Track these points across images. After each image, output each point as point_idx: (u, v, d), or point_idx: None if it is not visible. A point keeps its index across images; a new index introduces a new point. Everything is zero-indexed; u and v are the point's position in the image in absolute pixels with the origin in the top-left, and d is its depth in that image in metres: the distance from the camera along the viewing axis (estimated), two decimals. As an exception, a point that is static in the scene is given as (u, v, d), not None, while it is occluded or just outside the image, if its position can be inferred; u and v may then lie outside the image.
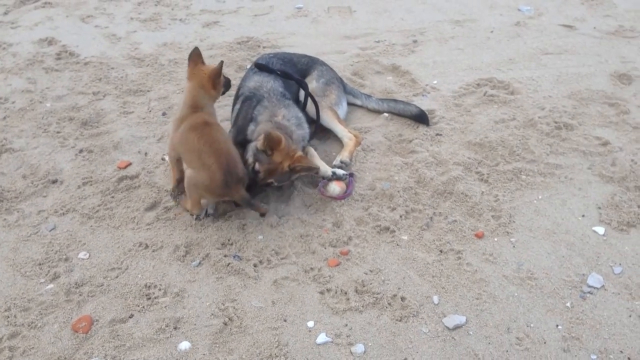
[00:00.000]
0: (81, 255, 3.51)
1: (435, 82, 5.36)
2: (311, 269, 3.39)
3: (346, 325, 3.05)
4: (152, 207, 3.88)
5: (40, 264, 3.44)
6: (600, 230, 3.65)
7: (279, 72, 4.42)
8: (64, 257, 3.50)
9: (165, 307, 3.17)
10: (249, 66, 5.45)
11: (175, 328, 3.04)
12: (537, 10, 6.99)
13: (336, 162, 4.18)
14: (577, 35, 6.28)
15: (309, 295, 3.24)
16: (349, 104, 4.91)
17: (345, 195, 3.91)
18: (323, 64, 4.91)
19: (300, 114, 4.19)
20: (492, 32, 6.43)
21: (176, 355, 2.91)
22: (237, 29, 6.62)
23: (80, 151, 4.43)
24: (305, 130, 4.09)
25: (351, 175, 4.07)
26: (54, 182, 4.12)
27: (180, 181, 3.78)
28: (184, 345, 2.95)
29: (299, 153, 3.75)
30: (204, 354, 2.91)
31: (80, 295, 3.24)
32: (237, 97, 4.47)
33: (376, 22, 6.78)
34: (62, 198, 3.97)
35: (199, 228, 3.69)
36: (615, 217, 3.74)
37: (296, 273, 3.38)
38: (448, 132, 4.59)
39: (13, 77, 5.54)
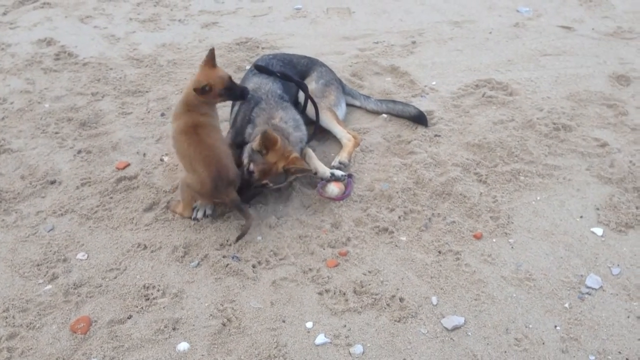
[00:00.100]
0: (80, 256, 3.51)
1: (434, 83, 5.37)
2: (310, 269, 3.39)
3: (345, 326, 3.06)
4: (151, 207, 3.88)
5: (38, 265, 3.44)
6: (599, 231, 3.65)
7: (278, 74, 4.42)
8: (63, 257, 3.49)
9: (163, 307, 3.17)
10: (247, 67, 5.47)
11: (173, 329, 3.04)
12: (535, 12, 7.00)
13: (335, 163, 4.18)
14: (575, 37, 6.29)
15: (307, 296, 3.24)
16: (348, 104, 4.91)
17: (344, 196, 3.91)
18: (322, 65, 4.91)
19: (298, 116, 4.19)
20: (490, 33, 6.44)
21: (175, 356, 2.91)
22: (236, 30, 6.62)
23: (79, 152, 4.43)
24: (303, 132, 4.09)
25: (350, 176, 4.07)
26: (53, 182, 4.12)
27: None
28: (183, 346, 2.95)
29: (294, 154, 3.74)
30: (202, 355, 2.91)
31: (78, 296, 3.23)
32: None
33: (375, 23, 6.78)
34: (61, 199, 3.96)
35: (197, 229, 3.69)
36: (614, 218, 3.74)
37: (295, 274, 3.38)
38: (447, 133, 4.60)
39: (12, 77, 5.54)
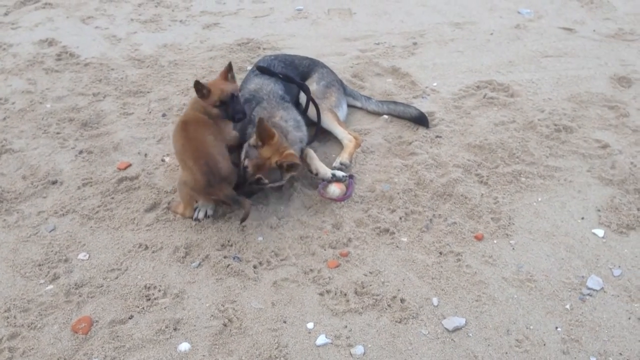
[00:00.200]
0: (81, 256, 3.51)
1: (435, 84, 5.37)
2: (311, 270, 3.40)
3: (346, 326, 3.06)
4: (152, 208, 3.89)
5: (40, 265, 3.44)
6: (600, 232, 3.65)
7: (281, 76, 4.43)
8: (64, 258, 3.50)
9: (165, 308, 3.17)
10: (249, 67, 5.47)
11: (175, 329, 3.05)
12: (537, 13, 7.00)
13: (336, 163, 4.19)
14: (576, 38, 6.29)
15: (308, 297, 3.24)
16: (349, 105, 4.92)
17: (345, 197, 3.91)
18: (324, 66, 4.92)
19: (299, 117, 4.19)
20: (492, 34, 6.44)
21: (176, 357, 2.91)
22: (237, 31, 6.62)
23: (80, 152, 4.43)
24: (303, 132, 4.09)
25: (351, 177, 4.07)
26: (54, 183, 4.12)
27: None
28: (184, 346, 2.95)
29: (289, 150, 3.72)
30: (203, 355, 2.91)
31: (80, 296, 3.24)
32: None
33: (376, 25, 6.78)
34: (62, 199, 3.97)
35: (198, 229, 3.69)
36: (615, 219, 3.74)
37: (296, 274, 3.38)
38: (448, 134, 4.60)
39: (13, 77, 5.55)
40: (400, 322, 3.07)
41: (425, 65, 5.75)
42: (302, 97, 4.53)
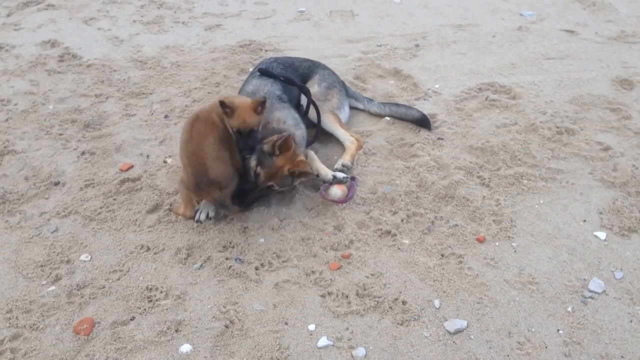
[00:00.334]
0: (83, 257, 3.52)
1: (437, 86, 5.37)
2: (312, 272, 3.40)
3: (347, 328, 3.06)
4: (154, 209, 3.89)
5: (42, 266, 3.45)
6: (602, 235, 3.65)
7: (282, 79, 4.43)
8: (66, 259, 3.50)
9: (166, 309, 3.17)
10: (250, 69, 5.48)
11: (176, 331, 3.05)
12: (539, 15, 7.00)
13: (337, 165, 4.19)
14: (578, 41, 6.29)
15: (310, 299, 3.24)
16: (351, 107, 4.92)
17: (346, 199, 3.92)
18: (325, 67, 4.92)
19: (296, 115, 4.23)
20: (494, 36, 6.44)
21: (177, 358, 2.91)
22: (240, 32, 6.63)
23: (83, 153, 4.44)
24: (303, 130, 4.13)
25: (353, 178, 4.07)
26: (56, 184, 4.13)
27: None
28: (185, 347, 2.96)
29: (300, 157, 3.76)
30: (205, 357, 2.91)
31: (81, 297, 3.24)
32: None
33: (378, 26, 6.79)
34: (64, 200, 3.97)
35: (200, 231, 3.70)
36: (617, 222, 3.74)
37: (297, 276, 3.38)
38: (449, 136, 4.60)
39: (16, 79, 5.56)
40: (401, 324, 3.07)
41: (427, 67, 5.75)
42: (304, 99, 4.54)
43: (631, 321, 3.09)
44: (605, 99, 5.10)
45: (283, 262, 3.48)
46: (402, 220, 3.75)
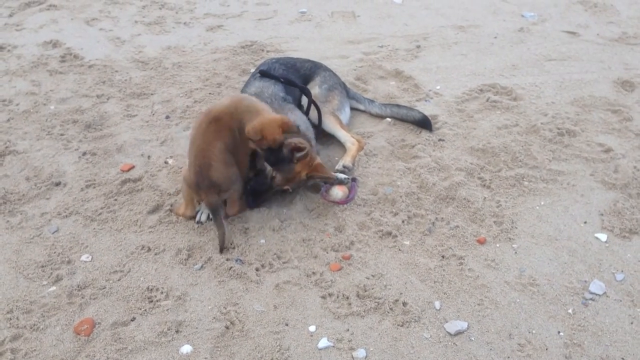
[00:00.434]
0: (84, 257, 3.52)
1: (438, 87, 5.37)
2: (313, 273, 3.40)
3: (348, 330, 3.06)
4: (155, 210, 3.89)
5: (42, 266, 3.45)
6: (603, 237, 3.65)
7: (282, 80, 4.44)
8: (67, 259, 3.50)
9: (167, 310, 3.17)
10: (252, 70, 5.48)
11: (177, 331, 3.05)
12: (540, 17, 7.00)
13: (339, 166, 4.19)
14: (580, 42, 6.29)
15: (310, 300, 3.24)
16: (352, 108, 4.92)
17: (347, 200, 3.92)
18: (326, 69, 4.92)
19: (304, 116, 4.27)
20: (495, 38, 6.44)
21: (178, 359, 2.91)
22: (241, 33, 6.64)
23: (84, 154, 4.45)
24: (311, 131, 4.15)
25: (354, 180, 4.07)
26: (57, 184, 4.13)
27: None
28: (186, 348, 2.96)
29: (317, 161, 3.81)
30: (205, 358, 2.91)
31: (82, 297, 3.24)
32: None
33: (380, 27, 6.79)
34: (65, 200, 3.98)
35: (201, 231, 3.70)
36: (618, 224, 3.74)
37: (298, 277, 3.38)
38: (451, 137, 4.60)
39: (17, 79, 5.57)
40: (402, 326, 3.07)
41: (428, 68, 5.75)
42: (305, 100, 4.54)
43: (632, 323, 3.09)
44: (607, 101, 5.10)
45: (284, 263, 3.48)
46: (402, 222, 3.75)
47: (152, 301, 3.22)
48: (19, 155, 4.43)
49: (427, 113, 4.76)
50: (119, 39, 6.50)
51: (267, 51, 6.13)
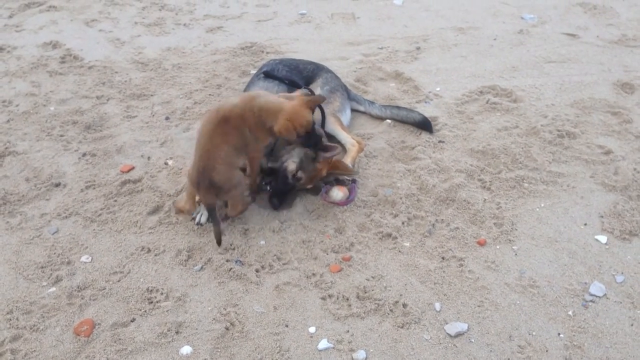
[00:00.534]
0: (83, 258, 3.52)
1: (438, 89, 5.38)
2: (313, 274, 3.40)
3: (348, 331, 3.05)
4: (155, 211, 3.89)
5: (42, 267, 3.44)
6: (603, 238, 3.65)
7: (286, 82, 4.44)
8: (67, 260, 3.50)
9: (167, 311, 3.17)
10: (252, 71, 5.49)
11: (177, 332, 3.05)
12: (540, 19, 7.01)
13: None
14: (580, 44, 6.30)
15: (310, 301, 3.24)
16: (353, 110, 4.92)
17: (347, 201, 3.92)
18: (328, 71, 4.93)
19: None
20: (495, 39, 6.45)
21: (178, 360, 2.91)
22: (241, 35, 6.64)
23: (84, 155, 4.44)
24: (321, 131, 4.15)
25: (354, 181, 4.07)
26: (57, 185, 4.13)
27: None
28: (186, 349, 2.95)
29: (336, 157, 3.90)
30: (205, 359, 2.91)
31: (82, 298, 3.24)
32: None
33: (379, 29, 6.80)
34: (65, 201, 3.97)
35: (201, 233, 3.70)
36: (618, 225, 3.74)
37: (298, 279, 3.38)
38: (451, 139, 4.60)
39: (17, 80, 5.56)
40: (402, 327, 3.07)
41: (428, 70, 5.75)
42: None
43: (632, 325, 3.09)
44: (607, 103, 5.11)
45: (283, 264, 3.48)
46: (402, 223, 3.75)
47: (152, 302, 3.22)
48: (19, 156, 4.43)
49: (427, 115, 4.76)
50: (118, 40, 6.50)
51: (267, 52, 6.13)
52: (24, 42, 6.37)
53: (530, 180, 4.13)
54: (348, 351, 2.95)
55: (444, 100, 5.19)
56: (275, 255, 3.53)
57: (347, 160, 4.24)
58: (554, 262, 3.48)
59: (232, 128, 3.45)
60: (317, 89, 4.65)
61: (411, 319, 3.11)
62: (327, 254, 3.54)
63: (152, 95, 5.32)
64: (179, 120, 4.91)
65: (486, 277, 3.38)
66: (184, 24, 6.95)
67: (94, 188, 4.10)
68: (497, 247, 3.60)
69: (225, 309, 3.18)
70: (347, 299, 3.24)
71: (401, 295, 3.26)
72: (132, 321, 3.11)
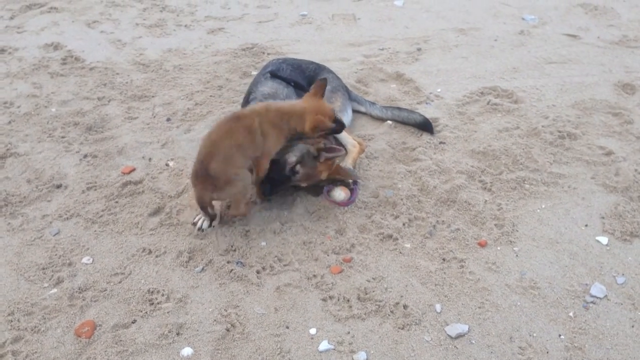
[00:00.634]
0: (85, 260, 3.52)
1: (439, 90, 5.38)
2: (314, 276, 3.40)
3: (348, 332, 3.05)
4: (156, 212, 3.90)
5: (43, 269, 3.45)
6: (604, 240, 3.64)
7: (292, 84, 4.45)
8: (68, 261, 3.50)
9: (168, 312, 3.17)
10: (253, 73, 5.50)
11: (177, 334, 3.05)
12: (541, 20, 7.01)
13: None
14: (581, 45, 6.30)
15: (311, 302, 3.24)
16: (353, 110, 4.92)
17: (348, 202, 3.92)
18: (330, 71, 4.93)
19: None
20: (496, 40, 6.45)
21: (178, 361, 2.92)
22: (242, 36, 6.65)
23: (85, 156, 4.45)
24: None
25: (355, 182, 4.07)
26: (59, 186, 4.13)
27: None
28: (187, 351, 2.96)
29: (337, 163, 3.90)
30: (206, 360, 2.91)
31: (83, 300, 3.24)
32: (247, 101, 4.45)
33: (380, 30, 6.80)
34: (66, 203, 3.98)
35: (202, 234, 3.70)
36: (619, 227, 3.74)
37: (299, 280, 3.38)
38: (451, 140, 4.60)
39: (19, 81, 5.57)
40: (403, 329, 3.07)
41: (429, 71, 5.76)
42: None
43: (633, 326, 3.09)
44: (608, 104, 5.10)
45: (284, 265, 3.48)
46: (403, 224, 3.75)
47: (153, 303, 3.22)
48: (20, 158, 4.44)
49: (428, 116, 4.76)
50: (120, 41, 6.51)
51: (268, 54, 6.13)
52: (25, 43, 6.39)
53: (531, 182, 4.13)
54: (349, 352, 2.95)
55: (444, 101, 5.19)
56: (276, 256, 3.53)
57: (348, 161, 4.24)
58: (555, 264, 3.48)
59: (242, 126, 3.50)
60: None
61: (412, 320, 3.11)
62: (328, 255, 3.54)
63: (153, 97, 5.32)
64: (180, 121, 4.91)
65: (487, 278, 3.38)
66: (185, 25, 6.96)
67: (95, 189, 4.11)
68: (498, 248, 3.60)
69: (226, 311, 3.18)
70: (348, 300, 3.24)
71: (402, 296, 3.26)
72: (133, 322, 3.11)
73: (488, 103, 5.12)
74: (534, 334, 3.04)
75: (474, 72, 5.72)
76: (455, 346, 2.99)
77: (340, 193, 3.93)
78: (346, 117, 4.67)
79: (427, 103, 5.15)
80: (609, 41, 6.38)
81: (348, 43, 6.45)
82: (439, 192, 4.01)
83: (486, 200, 3.96)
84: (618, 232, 3.70)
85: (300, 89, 4.47)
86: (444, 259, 3.51)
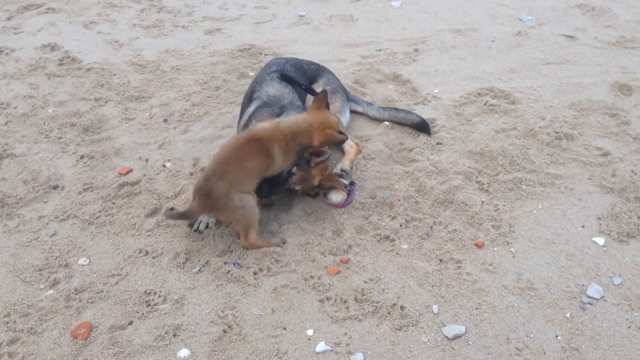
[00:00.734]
0: (81, 261, 3.51)
1: (436, 91, 5.38)
2: (311, 277, 3.39)
3: (345, 333, 3.05)
4: (153, 213, 3.89)
5: (40, 270, 3.44)
6: (600, 241, 3.65)
7: (303, 87, 4.43)
8: (64, 263, 3.50)
9: (164, 314, 3.16)
10: (251, 74, 5.50)
11: (174, 335, 3.04)
12: (538, 20, 7.02)
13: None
14: (578, 46, 6.31)
15: (308, 304, 3.24)
16: (351, 111, 4.91)
17: (345, 204, 3.92)
18: (330, 72, 4.94)
19: None
20: (493, 41, 6.45)
21: (175, 363, 2.91)
22: (239, 37, 6.65)
23: (82, 157, 4.44)
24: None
25: (352, 183, 4.07)
26: (55, 187, 4.13)
27: None
28: (183, 352, 2.95)
29: (329, 171, 3.89)
30: (203, 362, 2.91)
31: (79, 301, 3.24)
32: (250, 99, 4.39)
33: (378, 31, 6.80)
34: (63, 204, 3.97)
35: (199, 235, 3.69)
36: (615, 227, 3.74)
37: (296, 281, 3.37)
38: (449, 141, 4.60)
39: (15, 82, 5.56)
40: (400, 330, 3.07)
41: (426, 71, 5.76)
42: (308, 101, 4.52)
43: (629, 327, 3.09)
44: (605, 104, 5.11)
45: (281, 266, 3.47)
46: (400, 225, 3.75)
47: (149, 305, 3.22)
48: (17, 159, 4.43)
49: (425, 116, 4.76)
50: (117, 42, 6.50)
51: (266, 54, 6.13)
52: (22, 44, 6.38)
53: (528, 182, 4.13)
54: (346, 354, 2.95)
55: (442, 102, 5.19)
56: (273, 257, 3.53)
57: (346, 162, 4.24)
58: (552, 264, 3.49)
59: (256, 152, 3.48)
60: (319, 88, 4.64)
61: (409, 321, 3.11)
62: (325, 257, 3.54)
63: (150, 98, 5.32)
64: (177, 122, 4.91)
65: (484, 279, 3.38)
66: (183, 26, 6.96)
67: (92, 190, 4.10)
68: (495, 249, 3.60)
69: (223, 312, 3.18)
70: (345, 302, 3.24)
71: (399, 297, 3.26)
72: (129, 324, 3.11)
73: (485, 104, 5.12)
74: (531, 335, 3.05)
75: (471, 73, 5.73)
76: (452, 347, 2.99)
77: (336, 195, 3.94)
78: (345, 118, 4.67)
79: (424, 104, 5.15)
80: (606, 42, 6.39)
81: (345, 44, 6.45)
82: (436, 193, 4.01)
83: (483, 201, 3.96)
84: (615, 233, 3.70)
85: (310, 92, 4.42)
86: (441, 260, 3.51)
